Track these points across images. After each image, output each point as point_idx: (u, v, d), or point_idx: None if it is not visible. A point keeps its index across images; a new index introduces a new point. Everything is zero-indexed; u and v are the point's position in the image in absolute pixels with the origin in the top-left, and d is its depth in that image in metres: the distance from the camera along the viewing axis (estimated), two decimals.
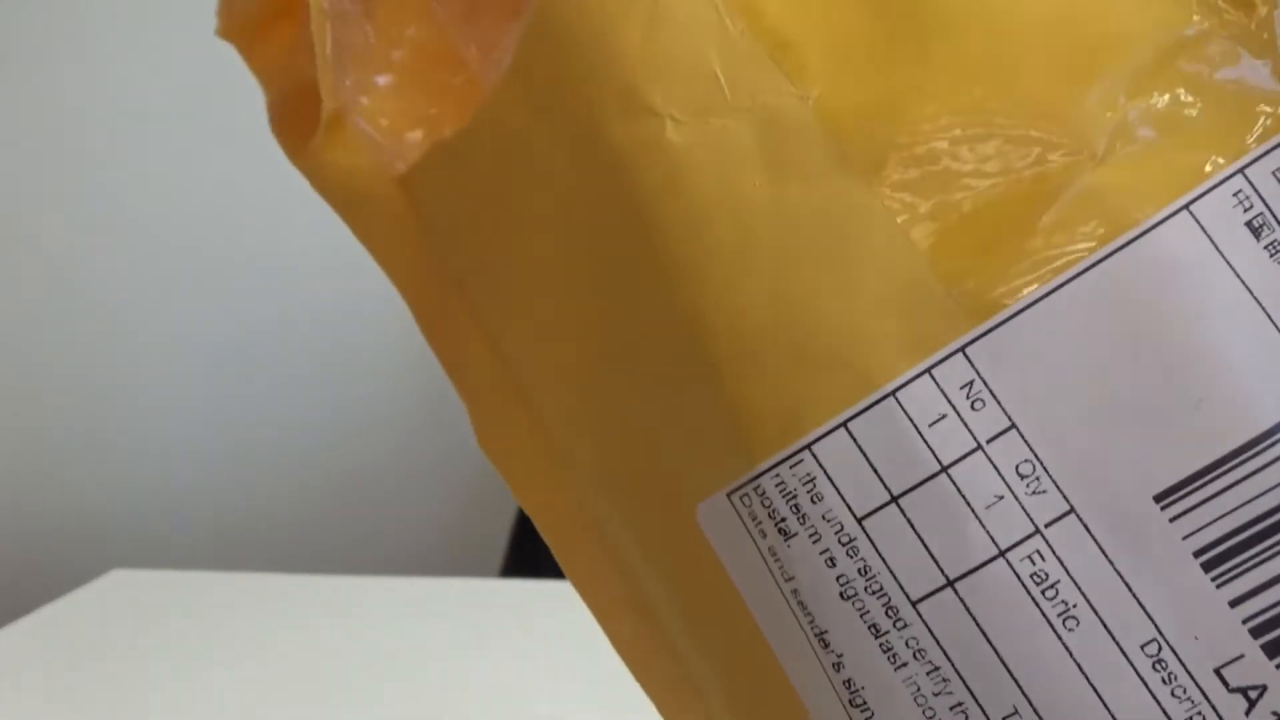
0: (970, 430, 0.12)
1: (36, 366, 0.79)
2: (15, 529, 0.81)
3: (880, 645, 0.12)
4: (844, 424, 0.12)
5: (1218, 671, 0.11)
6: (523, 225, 0.14)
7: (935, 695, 0.12)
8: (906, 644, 0.12)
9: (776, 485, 0.12)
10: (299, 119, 0.16)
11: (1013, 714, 0.12)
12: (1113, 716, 0.11)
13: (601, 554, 0.15)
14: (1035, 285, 0.12)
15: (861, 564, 0.12)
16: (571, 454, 0.14)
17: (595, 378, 0.14)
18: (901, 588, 0.12)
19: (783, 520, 0.12)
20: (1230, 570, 0.11)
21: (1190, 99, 0.12)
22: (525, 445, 0.15)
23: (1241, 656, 0.11)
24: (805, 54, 0.12)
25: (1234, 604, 0.11)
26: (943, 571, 0.12)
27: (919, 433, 0.12)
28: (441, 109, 0.15)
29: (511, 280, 0.14)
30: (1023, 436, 0.12)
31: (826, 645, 0.12)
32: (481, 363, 0.15)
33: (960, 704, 0.12)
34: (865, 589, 0.12)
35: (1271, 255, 0.12)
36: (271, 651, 0.58)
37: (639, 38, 0.12)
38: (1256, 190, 0.12)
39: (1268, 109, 0.12)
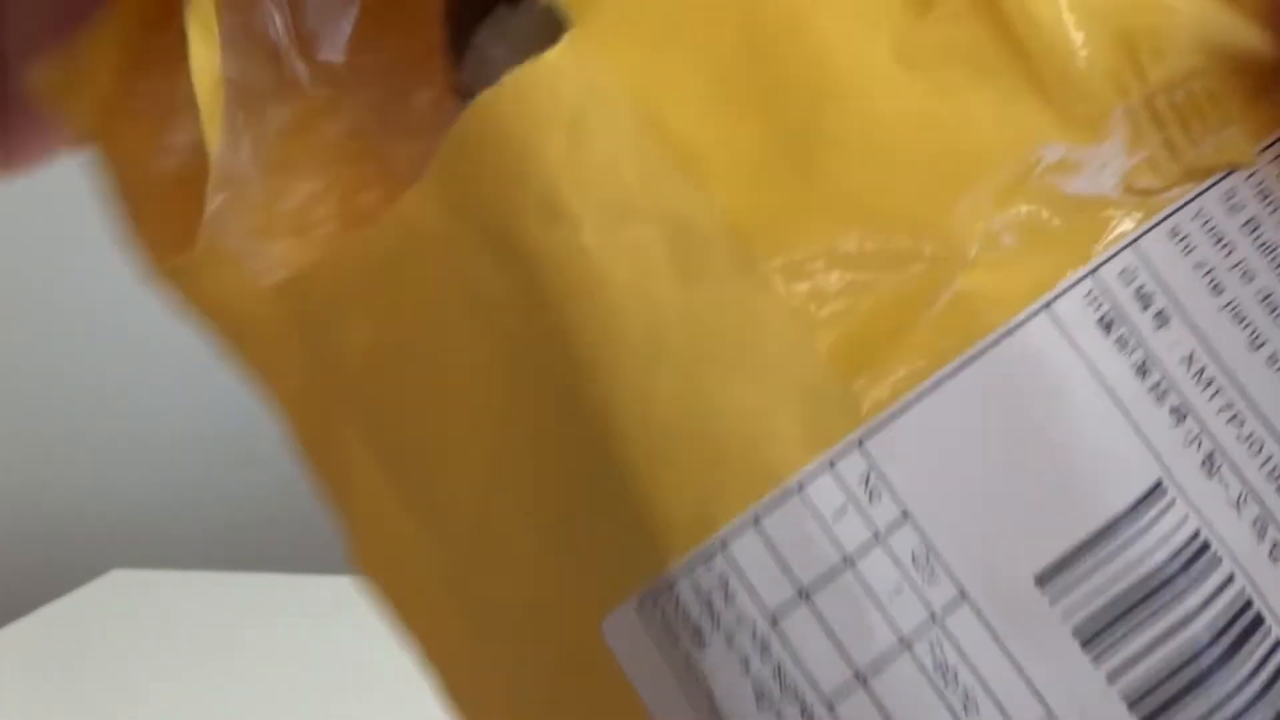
0: (871, 521, 0.12)
1: (36, 366, 0.79)
2: (15, 529, 0.81)
3: None
4: (754, 518, 0.12)
5: None
6: (428, 326, 0.14)
7: None
8: None
9: (691, 586, 0.13)
10: (160, 225, 0.16)
11: None
12: None
13: (500, 683, 0.15)
14: (919, 381, 0.12)
15: (775, 666, 0.12)
16: (470, 572, 0.14)
17: (500, 486, 0.14)
18: (815, 687, 0.12)
19: (696, 627, 0.13)
20: (1104, 647, 0.12)
21: (1047, 208, 0.13)
22: (417, 566, 0.15)
23: None
24: (711, 166, 0.13)
25: (1110, 679, 0.12)
26: (852, 667, 0.12)
27: (824, 525, 0.12)
28: (316, 214, 0.15)
29: (412, 387, 0.14)
30: (917, 526, 0.12)
31: None
32: (369, 481, 0.15)
33: None
34: (780, 693, 0.12)
35: (1120, 349, 0.13)
36: (271, 651, 0.58)
37: (560, 149, 0.13)
38: (1106, 290, 0.13)
39: (1113, 216, 0.13)
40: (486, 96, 0.13)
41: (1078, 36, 0.13)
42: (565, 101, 0.13)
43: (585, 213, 0.13)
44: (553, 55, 0.13)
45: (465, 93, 0.14)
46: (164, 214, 0.16)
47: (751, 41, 0.13)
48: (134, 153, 0.16)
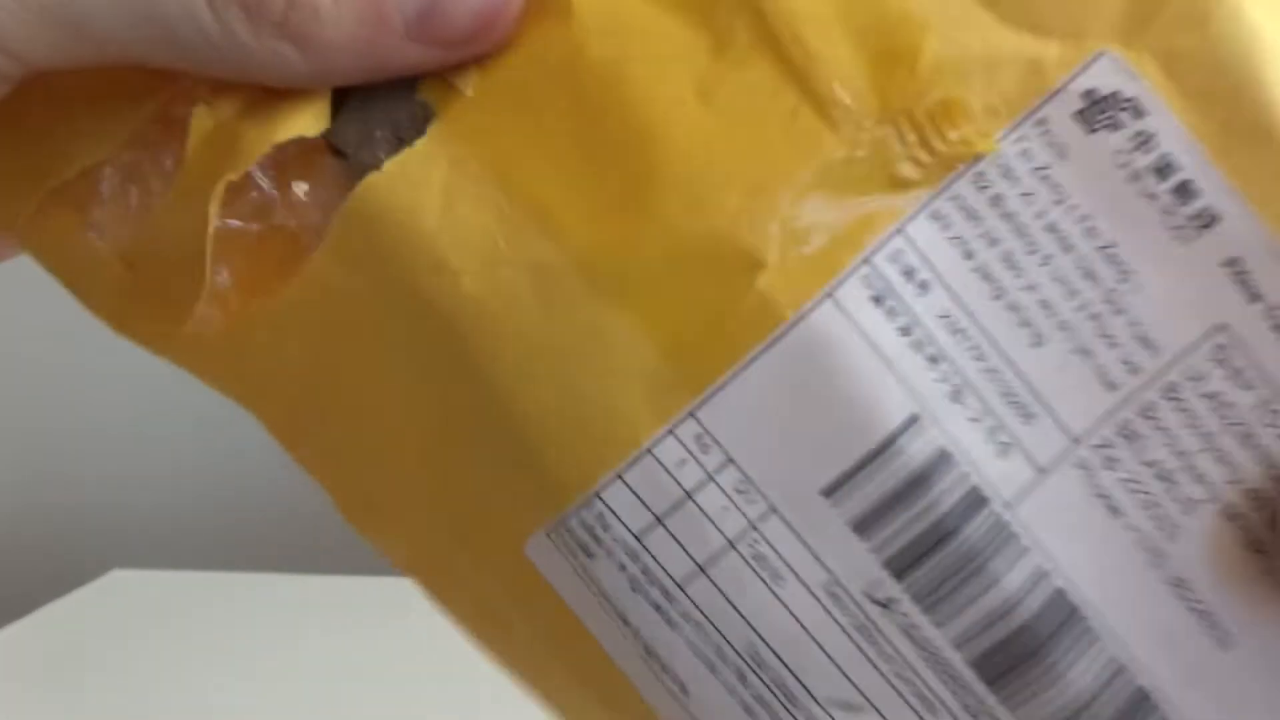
0: (704, 467, 0.17)
1: (36, 365, 0.79)
2: (15, 529, 0.81)
3: (661, 617, 0.18)
4: (619, 475, 0.17)
5: (867, 593, 0.17)
6: (352, 359, 0.18)
7: (701, 644, 0.18)
8: (678, 613, 0.18)
9: (579, 523, 0.18)
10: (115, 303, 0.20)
11: (751, 647, 0.18)
12: (810, 635, 0.17)
13: (465, 592, 0.20)
14: (733, 364, 0.17)
15: (642, 566, 0.18)
16: (428, 521, 0.19)
17: (435, 464, 0.19)
18: (670, 577, 0.18)
19: (586, 546, 0.18)
20: (869, 530, 0.17)
21: (830, 211, 0.16)
22: (391, 516, 0.20)
23: (880, 580, 0.17)
24: (559, 216, 0.17)
25: (872, 550, 0.17)
26: (695, 562, 0.17)
27: (670, 474, 0.17)
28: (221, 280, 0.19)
29: (345, 395, 0.19)
30: (738, 466, 0.17)
31: (627, 624, 0.18)
32: (339, 461, 0.20)
33: (718, 646, 0.18)
34: (646, 582, 0.18)
35: (889, 317, 0.17)
36: (271, 651, 0.58)
37: (435, 218, 0.17)
38: (878, 272, 0.16)
39: (884, 208, 0.16)
40: (372, 180, 0.17)
41: (846, 59, 0.16)
42: (436, 180, 0.17)
43: (463, 265, 0.17)
44: (422, 144, 0.17)
45: (339, 152, 0.17)
46: (116, 292, 0.19)
47: (581, 102, 0.17)
48: (63, 241, 0.19)
